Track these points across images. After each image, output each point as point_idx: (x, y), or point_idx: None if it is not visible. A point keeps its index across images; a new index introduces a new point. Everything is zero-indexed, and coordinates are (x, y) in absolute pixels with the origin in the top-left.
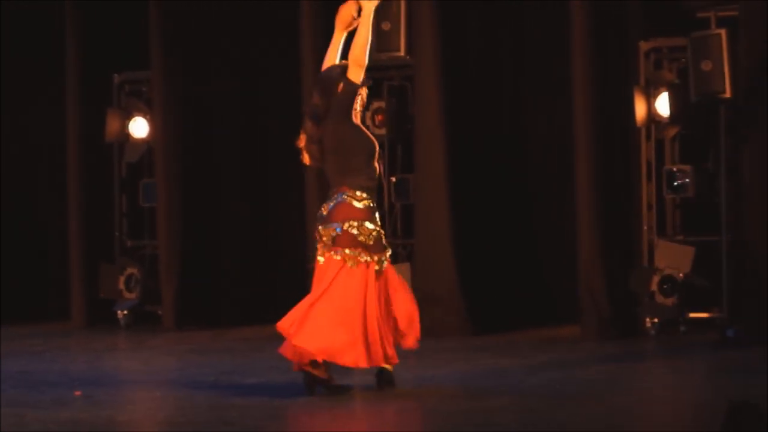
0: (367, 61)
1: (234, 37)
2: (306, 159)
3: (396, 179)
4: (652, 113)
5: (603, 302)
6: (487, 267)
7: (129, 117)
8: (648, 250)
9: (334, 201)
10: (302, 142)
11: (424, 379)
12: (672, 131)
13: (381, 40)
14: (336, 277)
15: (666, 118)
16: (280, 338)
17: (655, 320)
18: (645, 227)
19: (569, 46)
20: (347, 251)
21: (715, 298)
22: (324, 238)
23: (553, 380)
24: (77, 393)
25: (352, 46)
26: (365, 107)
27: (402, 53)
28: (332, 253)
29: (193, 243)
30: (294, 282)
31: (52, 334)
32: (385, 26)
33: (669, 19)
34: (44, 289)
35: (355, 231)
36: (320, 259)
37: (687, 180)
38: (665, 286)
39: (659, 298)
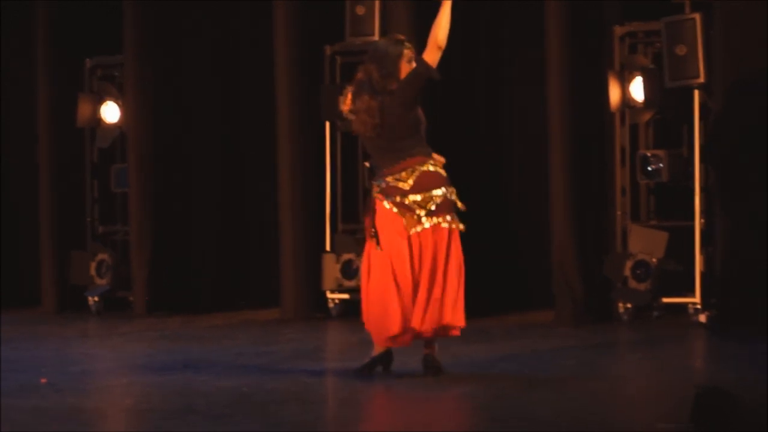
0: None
1: (208, 21)
2: (358, 128)
3: (369, 164)
4: (626, 98)
5: (577, 287)
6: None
7: (101, 102)
8: (622, 235)
9: (416, 171)
10: (350, 109)
11: (394, 364)
12: (646, 116)
13: (355, 23)
14: (454, 244)
15: (640, 102)
16: (250, 324)
17: (629, 305)
18: (619, 212)
19: (544, 29)
20: (448, 217)
21: (689, 284)
22: (418, 208)
23: (525, 366)
24: (43, 380)
25: (435, 28)
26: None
27: (376, 37)
28: (439, 219)
29: (165, 229)
30: (266, 269)
31: (23, 321)
32: (360, 10)
33: (644, 4)
34: (16, 274)
35: (453, 197)
36: (421, 228)
37: (661, 165)
38: (638, 272)
39: (632, 284)
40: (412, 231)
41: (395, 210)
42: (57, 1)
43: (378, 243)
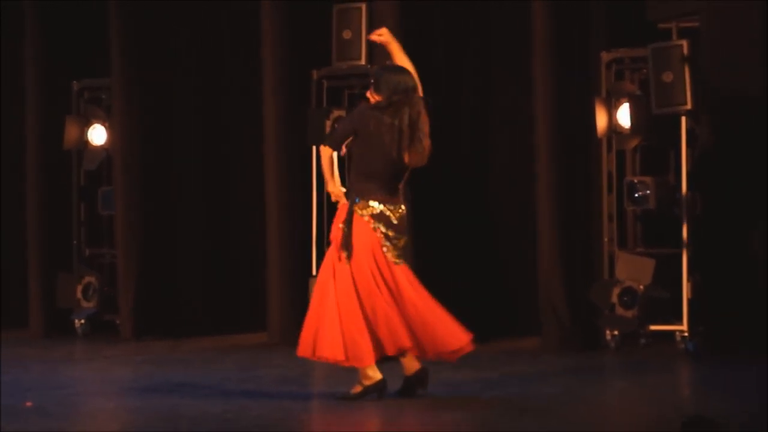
0: None
1: (195, 44)
2: (397, 151)
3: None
4: (613, 124)
5: (563, 314)
6: (447, 278)
7: (88, 124)
8: (608, 262)
9: (402, 212)
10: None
11: None
12: (633, 142)
13: (342, 48)
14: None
15: (627, 129)
16: (237, 348)
17: (616, 332)
18: (606, 239)
19: (531, 55)
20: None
21: (676, 311)
22: (399, 245)
23: (512, 393)
24: (28, 404)
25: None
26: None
27: (363, 62)
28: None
29: (151, 252)
30: (253, 293)
31: (9, 344)
32: (347, 35)
33: (631, 30)
34: (2, 297)
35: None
36: (398, 262)
37: (648, 192)
38: (625, 299)
39: (619, 311)
40: (393, 260)
41: (385, 240)
42: (44, 23)
43: (350, 256)
